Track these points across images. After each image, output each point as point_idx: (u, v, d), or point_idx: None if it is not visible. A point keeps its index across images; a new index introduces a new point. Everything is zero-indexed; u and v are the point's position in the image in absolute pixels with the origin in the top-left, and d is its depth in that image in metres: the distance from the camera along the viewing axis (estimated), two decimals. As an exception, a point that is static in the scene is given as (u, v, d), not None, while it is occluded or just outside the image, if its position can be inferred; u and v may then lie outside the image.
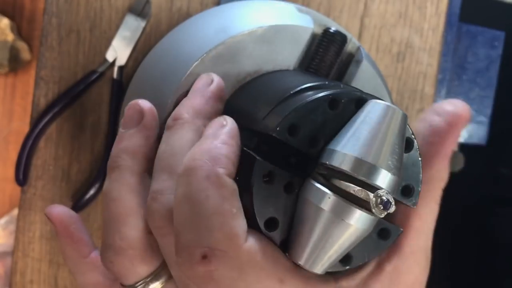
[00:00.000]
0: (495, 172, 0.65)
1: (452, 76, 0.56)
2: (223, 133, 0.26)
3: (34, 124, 0.44)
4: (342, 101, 0.25)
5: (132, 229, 0.28)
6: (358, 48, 0.35)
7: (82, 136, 0.45)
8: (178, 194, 0.25)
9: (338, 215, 0.24)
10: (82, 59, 0.44)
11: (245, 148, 0.27)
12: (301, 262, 0.25)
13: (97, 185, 0.44)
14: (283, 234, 0.26)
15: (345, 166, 0.24)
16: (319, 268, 0.25)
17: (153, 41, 0.44)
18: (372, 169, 0.24)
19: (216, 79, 0.31)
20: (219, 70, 0.32)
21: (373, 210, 0.23)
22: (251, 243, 0.25)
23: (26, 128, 0.44)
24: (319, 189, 0.24)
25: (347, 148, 0.24)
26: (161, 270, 0.29)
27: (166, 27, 0.44)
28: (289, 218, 0.26)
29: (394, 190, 0.24)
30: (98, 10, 0.44)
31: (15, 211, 0.56)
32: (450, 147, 0.28)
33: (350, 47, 0.35)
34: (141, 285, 0.29)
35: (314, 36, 0.34)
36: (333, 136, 0.25)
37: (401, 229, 0.27)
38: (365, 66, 0.34)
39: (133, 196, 0.29)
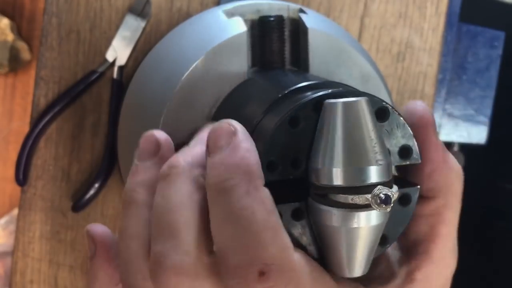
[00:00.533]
0: (495, 173, 0.65)
1: (452, 76, 0.56)
2: (242, 141, 0.25)
3: (34, 124, 0.44)
4: (300, 117, 0.25)
5: None
6: (299, 17, 0.33)
7: (82, 136, 0.45)
8: (217, 215, 0.24)
9: (351, 225, 0.24)
10: (82, 59, 0.44)
11: None
12: (343, 275, 0.25)
13: (97, 185, 0.44)
14: (317, 254, 0.26)
15: (334, 181, 0.24)
16: (359, 271, 0.25)
17: (153, 41, 0.44)
18: (360, 173, 0.23)
19: (239, 127, 0.28)
20: (219, 70, 0.32)
21: (378, 210, 0.23)
22: (299, 255, 0.25)
23: (26, 128, 0.44)
24: (322, 209, 0.24)
25: (327, 162, 0.24)
26: None
27: (166, 27, 0.44)
28: (314, 238, 0.26)
29: (390, 173, 0.24)
30: (98, 10, 0.44)
31: (15, 211, 0.56)
32: (438, 152, 0.27)
33: (292, 13, 0.33)
34: None
35: (253, 28, 0.33)
36: (309, 150, 0.25)
37: (418, 186, 0.27)
38: (314, 32, 0.33)
39: None
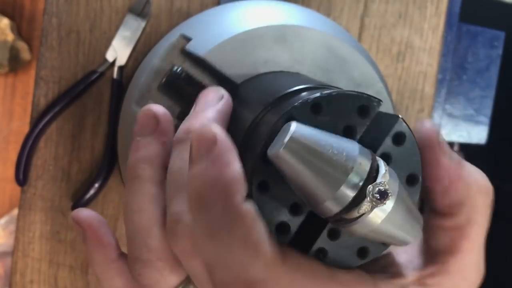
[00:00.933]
0: (495, 172, 0.65)
1: (452, 76, 0.56)
2: (221, 152, 0.23)
3: (34, 124, 0.44)
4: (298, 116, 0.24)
5: (158, 241, 0.27)
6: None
7: (82, 136, 0.45)
8: (199, 231, 0.24)
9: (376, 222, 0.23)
10: (82, 59, 0.44)
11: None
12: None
13: (97, 185, 0.44)
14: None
15: (335, 210, 0.23)
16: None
17: (153, 41, 0.44)
18: (344, 192, 0.23)
19: (226, 95, 0.29)
20: (219, 70, 0.32)
21: (383, 204, 0.23)
22: (288, 263, 0.24)
23: (26, 128, 0.44)
24: (354, 227, 0.24)
25: (315, 201, 0.23)
26: (191, 279, 0.28)
27: (166, 27, 0.44)
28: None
29: (369, 161, 0.23)
30: (98, 10, 0.44)
31: (15, 211, 0.56)
32: (450, 168, 0.27)
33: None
34: None
35: None
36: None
37: (382, 254, 0.27)
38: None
39: (156, 206, 0.28)
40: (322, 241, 0.25)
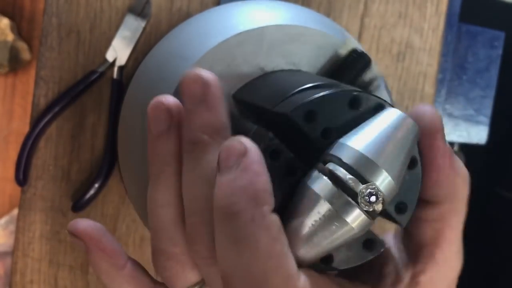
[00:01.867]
0: (495, 173, 0.65)
1: (452, 76, 0.56)
2: (251, 163, 0.24)
3: (34, 124, 0.44)
4: (363, 102, 0.26)
5: (183, 235, 0.27)
6: (376, 78, 0.34)
7: (82, 136, 0.45)
8: (222, 240, 0.24)
9: (337, 208, 0.24)
10: (82, 59, 0.44)
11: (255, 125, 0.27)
12: (291, 246, 0.25)
13: (97, 185, 0.44)
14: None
15: (350, 160, 0.24)
16: (304, 253, 0.25)
17: (153, 41, 0.44)
18: (374, 168, 0.24)
19: (210, 78, 0.27)
20: (219, 70, 0.32)
21: (359, 201, 0.23)
22: (304, 280, 0.24)
23: (26, 128, 0.44)
24: (321, 177, 0.24)
25: (356, 144, 0.24)
26: None
27: (166, 27, 0.44)
28: (285, 201, 0.26)
29: (390, 196, 0.24)
30: (98, 10, 0.44)
31: (15, 211, 0.56)
32: (445, 159, 0.27)
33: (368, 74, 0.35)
34: None
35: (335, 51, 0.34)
36: (345, 133, 0.25)
37: (386, 245, 0.27)
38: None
39: (182, 200, 0.28)
40: None
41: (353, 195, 0.24)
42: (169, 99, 0.28)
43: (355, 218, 0.24)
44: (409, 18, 0.48)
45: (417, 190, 0.26)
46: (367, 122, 0.25)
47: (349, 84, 0.32)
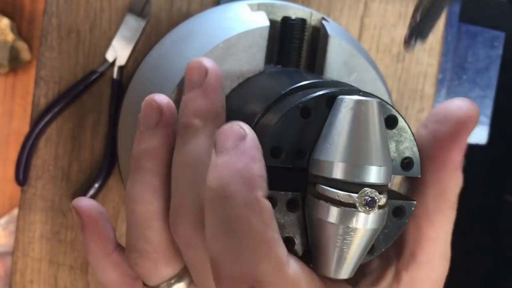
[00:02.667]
0: (495, 173, 0.65)
1: (452, 76, 0.56)
2: (249, 147, 0.23)
3: (34, 124, 0.44)
4: (312, 108, 0.25)
5: (156, 232, 0.28)
6: (321, 23, 0.34)
7: (82, 136, 0.45)
8: (213, 222, 0.24)
9: (348, 224, 0.24)
10: (82, 59, 0.44)
11: None
12: (327, 274, 0.25)
13: (97, 185, 0.44)
14: (303, 247, 0.26)
15: (333, 174, 0.24)
16: (346, 273, 0.25)
17: (153, 41, 0.44)
18: (359, 170, 0.23)
19: (209, 66, 0.28)
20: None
21: (361, 210, 0.23)
22: (295, 269, 0.24)
23: (26, 128, 0.44)
24: (319, 203, 0.24)
25: (330, 155, 0.24)
26: (184, 273, 0.29)
27: (166, 27, 0.44)
28: (304, 231, 0.26)
29: (388, 179, 0.24)
30: (98, 10, 0.44)
31: (15, 211, 0.56)
32: (459, 156, 0.27)
33: (314, 20, 0.35)
34: (164, 287, 0.29)
35: (273, 27, 0.34)
36: (315, 142, 0.25)
37: (414, 202, 0.26)
38: (334, 40, 0.33)
39: (157, 198, 0.28)
40: None
41: (353, 205, 0.24)
42: (162, 98, 0.28)
43: (369, 221, 0.24)
44: (409, 18, 0.48)
45: (412, 138, 0.26)
46: (328, 123, 0.25)
47: (300, 45, 0.33)
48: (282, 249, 0.23)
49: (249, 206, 0.23)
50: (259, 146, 0.24)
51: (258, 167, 0.23)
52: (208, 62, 0.28)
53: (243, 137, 0.24)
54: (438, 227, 0.27)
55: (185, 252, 0.27)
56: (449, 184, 0.27)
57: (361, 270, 0.28)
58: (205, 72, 0.27)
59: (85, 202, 0.31)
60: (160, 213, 0.28)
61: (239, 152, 0.23)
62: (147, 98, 0.28)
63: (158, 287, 0.29)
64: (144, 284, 0.30)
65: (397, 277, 0.28)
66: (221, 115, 0.28)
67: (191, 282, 0.29)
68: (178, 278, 0.29)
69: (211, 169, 0.24)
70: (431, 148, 0.27)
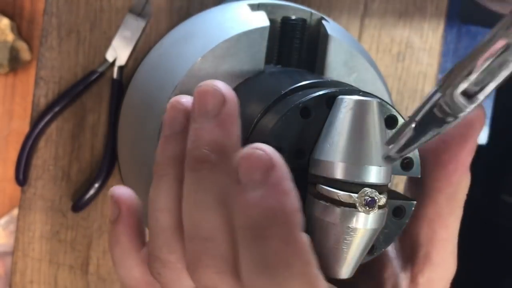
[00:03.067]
0: (495, 173, 0.65)
1: (452, 76, 0.56)
2: (281, 178, 0.22)
3: (34, 124, 0.44)
4: (312, 108, 0.25)
5: (180, 243, 0.26)
6: (321, 23, 0.34)
7: (82, 136, 0.45)
8: (249, 263, 0.22)
9: (342, 222, 0.24)
10: (82, 59, 0.44)
11: None
12: (327, 274, 0.25)
13: (97, 185, 0.44)
14: None
15: (333, 174, 0.24)
16: (346, 273, 0.25)
17: (153, 41, 0.44)
18: (359, 170, 0.23)
19: (227, 92, 0.25)
20: (220, 70, 0.32)
21: (361, 210, 0.23)
22: None
23: (26, 128, 0.44)
24: (316, 201, 0.24)
25: (330, 155, 0.24)
26: None
27: (166, 27, 0.44)
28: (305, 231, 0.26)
29: (388, 179, 0.24)
30: (98, 10, 0.44)
31: (15, 211, 0.56)
32: (469, 158, 0.26)
33: (314, 20, 0.35)
34: None
35: (273, 27, 0.34)
36: (315, 142, 0.25)
37: (414, 201, 0.27)
38: (334, 40, 0.33)
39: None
40: None
41: (354, 205, 0.24)
42: (189, 100, 0.26)
43: (369, 221, 0.24)
44: (409, 18, 0.48)
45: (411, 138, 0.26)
46: (328, 123, 0.25)
47: (300, 44, 0.33)
48: (323, 283, 0.23)
49: (289, 247, 0.21)
50: (289, 173, 0.22)
51: (292, 201, 0.22)
52: (224, 88, 0.25)
53: (271, 166, 0.22)
54: (450, 227, 0.28)
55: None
56: (460, 186, 0.27)
57: (375, 280, 0.28)
58: (223, 99, 0.24)
59: (126, 192, 0.29)
60: None
61: (270, 186, 0.21)
62: (173, 100, 0.26)
63: None
64: None
65: (413, 281, 0.28)
66: (239, 150, 0.24)
67: None
68: None
69: (242, 207, 0.22)
70: (440, 151, 0.27)
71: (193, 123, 0.25)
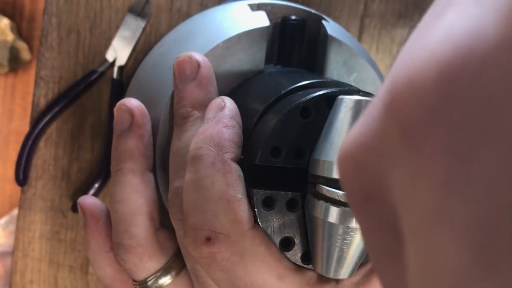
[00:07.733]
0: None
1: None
2: (224, 116, 0.27)
3: (34, 124, 0.44)
4: (312, 108, 0.25)
5: (139, 228, 0.30)
6: (321, 23, 0.34)
7: (82, 136, 0.45)
8: (186, 180, 0.26)
9: (342, 223, 0.24)
10: (82, 59, 0.44)
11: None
12: (327, 274, 0.25)
13: (97, 185, 0.44)
14: (303, 248, 0.26)
15: (333, 174, 0.24)
16: (345, 273, 0.25)
17: (153, 41, 0.44)
18: None
19: (200, 59, 0.30)
20: (220, 70, 0.32)
21: None
22: (256, 233, 0.26)
23: (26, 128, 0.44)
24: (316, 201, 0.24)
25: (330, 155, 0.24)
26: (170, 266, 0.30)
27: (166, 27, 0.44)
28: (304, 232, 0.26)
29: None
30: (98, 10, 0.44)
31: (15, 211, 0.56)
32: None
33: (314, 20, 0.35)
34: (151, 281, 0.30)
35: (273, 27, 0.34)
36: (315, 142, 0.25)
37: None
38: (334, 40, 0.34)
39: (138, 196, 0.30)
40: None
41: (339, 202, 0.24)
42: (132, 102, 0.31)
43: None
44: (409, 18, 0.48)
45: None
46: (328, 123, 0.25)
47: (300, 45, 0.33)
48: (243, 209, 0.25)
49: (215, 166, 0.25)
50: (236, 115, 0.27)
51: (229, 133, 0.26)
52: (198, 56, 0.30)
53: (221, 107, 0.27)
54: None
55: (179, 232, 0.29)
56: None
57: None
58: (197, 65, 0.29)
59: (89, 200, 0.33)
60: (142, 210, 0.30)
61: (216, 120, 0.26)
62: (118, 103, 0.31)
63: (146, 282, 0.30)
64: (133, 280, 0.31)
65: (367, 277, 0.28)
66: None
67: (176, 274, 0.30)
68: (164, 271, 0.30)
69: (194, 137, 0.27)
70: None
71: (176, 89, 0.30)
